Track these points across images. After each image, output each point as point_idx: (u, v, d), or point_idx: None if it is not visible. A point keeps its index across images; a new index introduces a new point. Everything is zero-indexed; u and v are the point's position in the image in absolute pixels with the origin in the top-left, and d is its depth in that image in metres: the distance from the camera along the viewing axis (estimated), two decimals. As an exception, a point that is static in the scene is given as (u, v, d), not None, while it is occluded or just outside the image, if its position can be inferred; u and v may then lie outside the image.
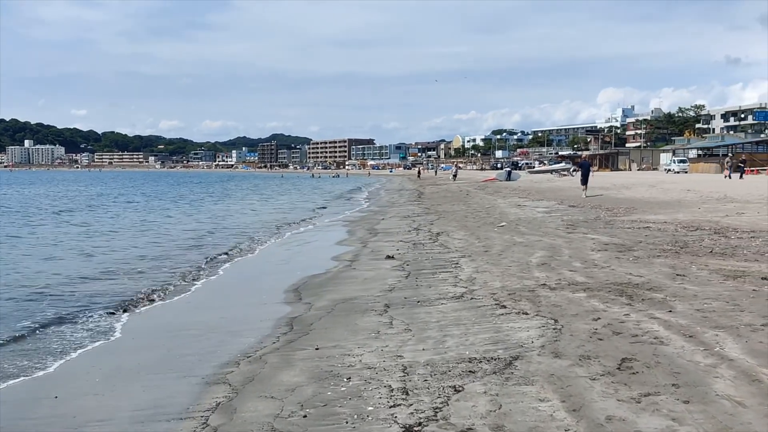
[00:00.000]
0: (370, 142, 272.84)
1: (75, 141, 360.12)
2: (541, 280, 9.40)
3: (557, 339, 6.31)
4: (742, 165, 43.34)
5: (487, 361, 5.79)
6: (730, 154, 54.23)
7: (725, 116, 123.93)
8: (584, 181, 29.23)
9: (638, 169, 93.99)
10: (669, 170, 76.51)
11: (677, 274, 9.31)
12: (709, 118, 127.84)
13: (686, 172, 70.51)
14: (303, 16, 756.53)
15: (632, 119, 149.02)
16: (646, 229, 15.63)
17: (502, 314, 7.52)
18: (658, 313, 7.08)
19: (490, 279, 9.82)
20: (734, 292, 7.93)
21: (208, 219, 28.09)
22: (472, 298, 8.51)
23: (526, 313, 7.46)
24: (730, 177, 42.28)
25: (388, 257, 13.16)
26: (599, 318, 7.00)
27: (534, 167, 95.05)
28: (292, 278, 11.66)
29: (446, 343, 6.49)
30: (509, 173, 59.19)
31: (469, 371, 5.53)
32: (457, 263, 11.77)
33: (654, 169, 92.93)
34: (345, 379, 5.58)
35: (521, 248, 13.15)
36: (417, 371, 5.65)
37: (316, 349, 6.72)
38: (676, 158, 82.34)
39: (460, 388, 5.12)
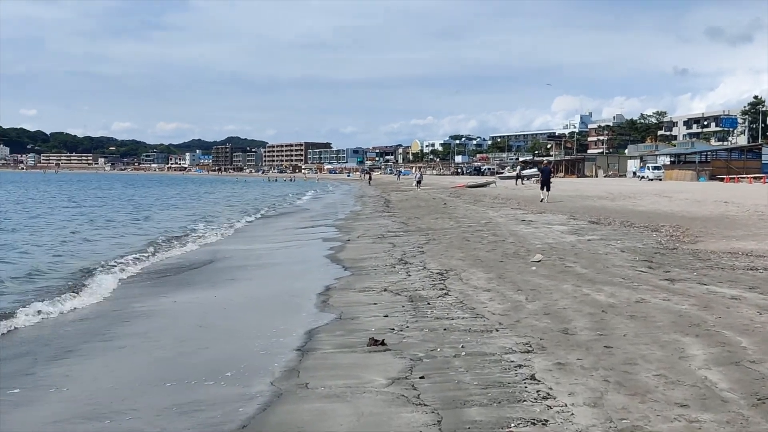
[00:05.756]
0: (327, 146, 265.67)
1: (21, 141, 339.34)
2: None
3: None
4: None
5: None
6: None
7: (688, 123, 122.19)
8: (545, 186, 29.33)
9: (605, 176, 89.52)
10: (642, 177, 72.45)
11: None
12: (672, 124, 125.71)
13: (660, 179, 66.47)
14: (265, 19, 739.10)
15: (594, 125, 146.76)
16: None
17: None
18: None
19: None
20: None
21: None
22: None
23: None
24: None
25: (375, 342, 6.63)
26: None
27: (502, 173, 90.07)
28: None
29: None
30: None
31: None
32: (533, 377, 5.32)
33: (621, 176, 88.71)
34: None
35: (629, 323, 6.77)
36: None
37: None
38: (650, 165, 78.37)
39: None
